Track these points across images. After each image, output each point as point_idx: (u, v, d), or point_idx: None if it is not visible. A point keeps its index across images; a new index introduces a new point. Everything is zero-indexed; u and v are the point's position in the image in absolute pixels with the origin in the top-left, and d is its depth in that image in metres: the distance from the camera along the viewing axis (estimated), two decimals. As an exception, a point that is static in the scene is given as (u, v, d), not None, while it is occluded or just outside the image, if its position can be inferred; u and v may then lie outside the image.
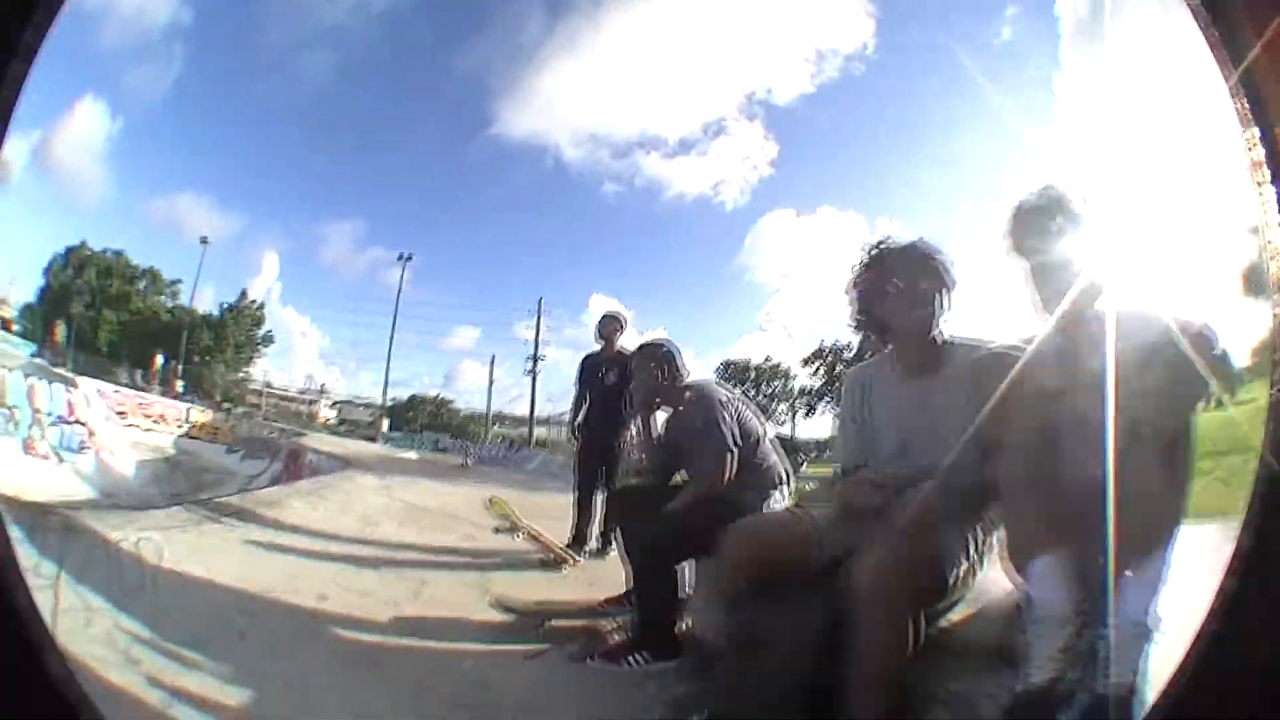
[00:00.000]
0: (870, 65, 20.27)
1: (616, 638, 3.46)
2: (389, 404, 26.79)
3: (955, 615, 2.19)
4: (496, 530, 5.49)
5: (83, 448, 15.22)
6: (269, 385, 29.19)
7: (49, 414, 14.54)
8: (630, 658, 3.09)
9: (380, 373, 27.61)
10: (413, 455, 17.93)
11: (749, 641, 2.26)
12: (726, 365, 21.76)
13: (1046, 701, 1.65)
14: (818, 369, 20.36)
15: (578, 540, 5.60)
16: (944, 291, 2.32)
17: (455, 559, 5.10)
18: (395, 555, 4.90)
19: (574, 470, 6.12)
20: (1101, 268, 1.97)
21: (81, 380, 18.62)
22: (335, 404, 30.36)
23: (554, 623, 3.60)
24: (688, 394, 3.66)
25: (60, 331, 24.84)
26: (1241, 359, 1.83)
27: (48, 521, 3.56)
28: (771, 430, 3.72)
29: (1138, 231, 2.29)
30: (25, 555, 2.73)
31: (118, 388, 22.46)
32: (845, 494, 2.34)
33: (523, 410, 27.44)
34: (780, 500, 3.40)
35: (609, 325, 6.03)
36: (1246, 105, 1.12)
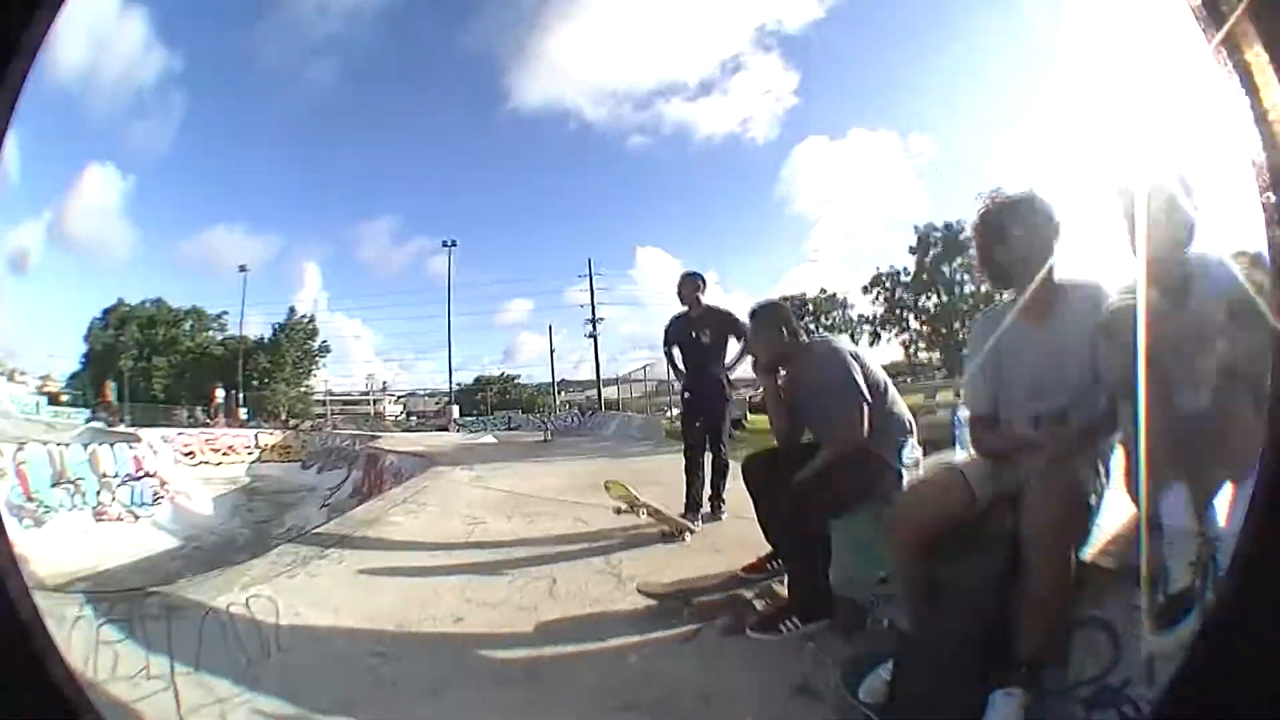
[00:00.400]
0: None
1: (763, 605, 3.42)
2: (455, 390, 27.22)
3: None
4: (618, 511, 5.31)
5: (157, 499, 15.35)
6: (330, 393, 29.86)
7: (116, 475, 14.60)
8: (785, 624, 3.06)
9: (439, 360, 28.02)
10: (490, 439, 17.93)
11: (928, 593, 2.42)
12: (784, 300, 21.47)
13: (1182, 609, 1.83)
14: (878, 295, 19.95)
15: (691, 507, 5.45)
16: (1058, 239, 2.45)
17: (575, 546, 4.95)
18: (515, 554, 4.77)
19: (682, 435, 6.06)
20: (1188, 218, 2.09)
21: (143, 432, 18.99)
22: (399, 399, 31.02)
23: (699, 600, 3.45)
24: (813, 351, 3.49)
25: (111, 390, 25.59)
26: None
27: (147, 608, 3.29)
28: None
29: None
30: (127, 651, 2.60)
31: (180, 430, 22.97)
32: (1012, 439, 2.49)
33: (586, 374, 27.61)
34: (910, 448, 3.30)
35: (691, 284, 5.79)
36: (1247, 105, 1.10)
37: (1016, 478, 2.35)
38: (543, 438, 17.28)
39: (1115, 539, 2.28)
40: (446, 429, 24.04)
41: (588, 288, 26.42)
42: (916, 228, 20.31)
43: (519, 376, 30.08)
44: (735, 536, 4.66)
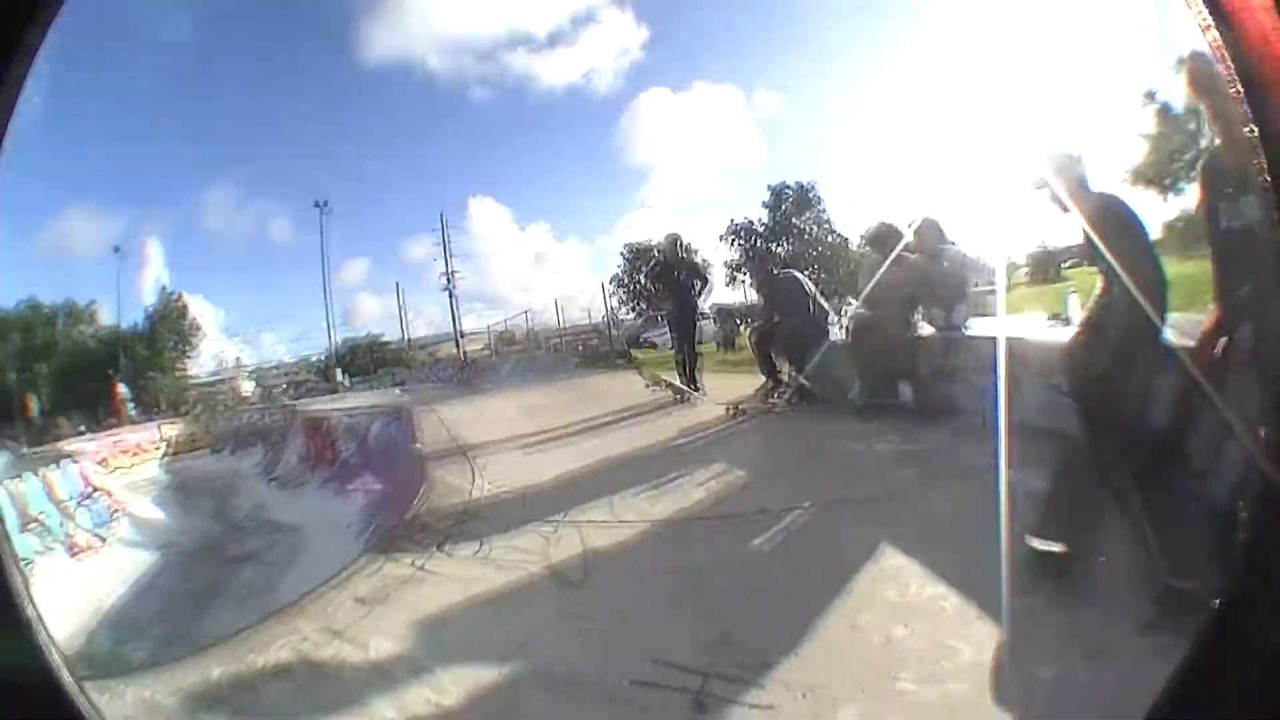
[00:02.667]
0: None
1: (782, 396, 8.02)
2: (328, 354, 28.26)
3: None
4: (647, 385, 9.76)
5: (114, 515, 14.63)
6: (186, 378, 28.86)
7: (70, 499, 13.90)
8: (797, 398, 7.78)
9: (280, 332, 28.89)
10: (398, 392, 19.34)
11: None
12: (629, 247, 25.29)
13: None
14: (734, 243, 24.09)
15: (690, 383, 9.69)
16: None
17: (640, 414, 8.87)
18: (618, 431, 8.18)
19: (674, 342, 10.25)
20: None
21: (77, 444, 17.82)
22: (251, 374, 30.67)
23: (745, 406, 7.92)
24: (787, 277, 8.38)
25: (33, 404, 23.67)
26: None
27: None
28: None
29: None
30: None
31: (91, 436, 20.45)
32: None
33: (421, 330, 29.45)
34: (832, 320, 8.14)
35: (673, 241, 10.30)
36: (1247, 104, 1.17)
37: None
38: (451, 386, 19.83)
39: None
40: (335, 391, 25.31)
41: (440, 242, 28.11)
42: (770, 186, 24.47)
43: (384, 336, 31.49)
44: (723, 392, 9.04)
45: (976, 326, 6.85)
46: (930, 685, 2.68)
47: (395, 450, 10.47)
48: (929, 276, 6.86)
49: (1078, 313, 5.19)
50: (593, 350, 20.62)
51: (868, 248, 7.70)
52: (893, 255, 6.99)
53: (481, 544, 4.68)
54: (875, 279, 7.22)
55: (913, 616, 3.05)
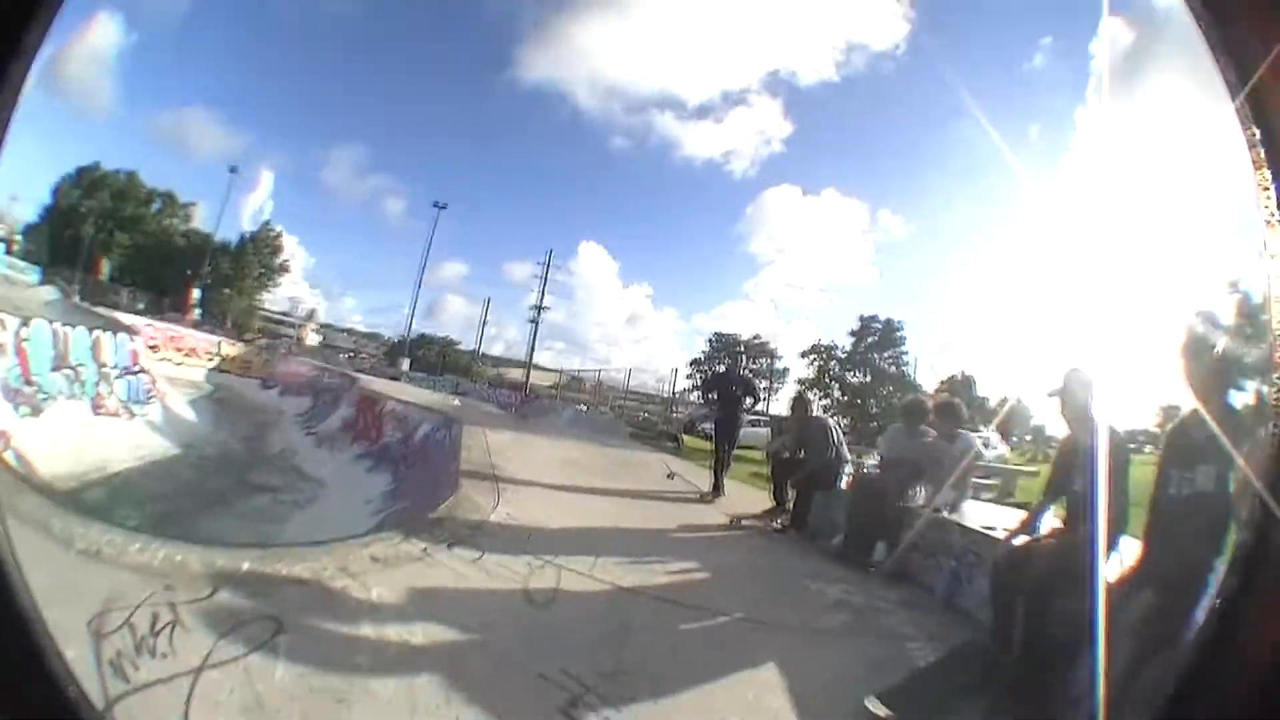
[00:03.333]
0: (898, 66, 24.41)
1: (778, 523, 9.04)
2: (399, 339, 29.81)
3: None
4: (669, 477, 10.85)
5: (149, 397, 15.51)
6: (259, 307, 31.11)
7: (115, 366, 14.44)
8: (792, 530, 8.80)
9: (362, 298, 31.10)
10: (456, 402, 20.58)
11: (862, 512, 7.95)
12: (718, 336, 26.65)
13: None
14: (812, 361, 25.16)
15: (715, 486, 10.90)
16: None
17: (664, 499, 10.25)
18: (632, 507, 9.75)
19: (714, 445, 11.49)
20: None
21: (134, 320, 18.86)
22: (320, 328, 32.84)
23: (746, 521, 8.91)
24: (817, 421, 9.40)
25: (105, 267, 25.79)
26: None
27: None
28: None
29: (1135, 243, 6.18)
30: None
31: (150, 320, 22.87)
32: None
33: (498, 350, 31.36)
34: (846, 469, 9.10)
35: (738, 357, 11.62)
36: (1249, 110, 1.23)
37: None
38: (508, 414, 21.11)
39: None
40: (397, 379, 26.64)
41: (543, 275, 30.15)
42: (861, 316, 25.63)
43: (459, 343, 33.21)
44: (738, 502, 10.08)
45: (969, 511, 7.64)
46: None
47: (436, 455, 11.45)
48: (937, 455, 7.76)
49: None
50: (649, 425, 22.06)
51: (900, 417, 8.59)
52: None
53: (482, 555, 5.75)
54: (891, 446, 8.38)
55: (753, 715, 3.97)
